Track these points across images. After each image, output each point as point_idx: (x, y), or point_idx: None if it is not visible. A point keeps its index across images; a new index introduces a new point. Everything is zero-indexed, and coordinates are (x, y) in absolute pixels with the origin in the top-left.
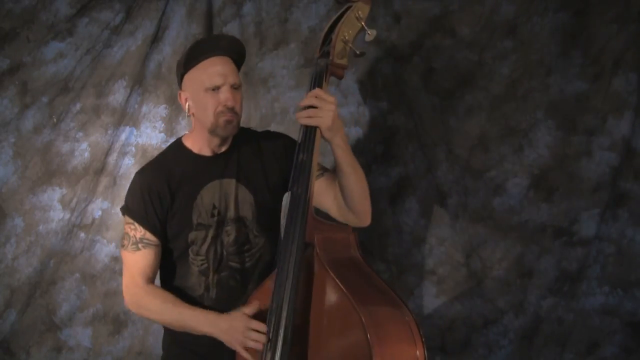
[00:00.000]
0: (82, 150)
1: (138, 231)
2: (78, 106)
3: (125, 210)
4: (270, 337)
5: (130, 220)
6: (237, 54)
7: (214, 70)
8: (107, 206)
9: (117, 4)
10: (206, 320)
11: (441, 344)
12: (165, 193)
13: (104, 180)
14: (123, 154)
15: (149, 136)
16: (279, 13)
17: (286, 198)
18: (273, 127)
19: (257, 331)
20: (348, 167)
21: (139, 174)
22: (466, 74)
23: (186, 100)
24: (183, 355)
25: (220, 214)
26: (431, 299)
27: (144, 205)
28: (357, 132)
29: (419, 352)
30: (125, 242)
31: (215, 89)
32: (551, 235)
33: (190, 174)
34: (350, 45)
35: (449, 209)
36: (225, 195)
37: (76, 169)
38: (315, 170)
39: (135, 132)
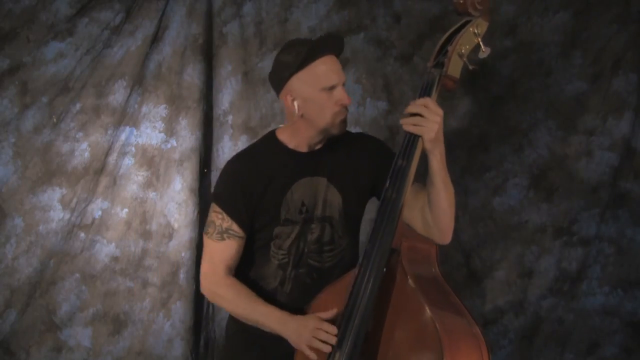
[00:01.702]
0: (82, 150)
1: (225, 221)
2: (78, 106)
3: (215, 198)
4: (341, 340)
5: (219, 209)
6: (340, 50)
7: (329, 70)
8: (107, 206)
9: (117, 4)
10: (277, 318)
11: None
12: (256, 186)
13: (104, 180)
14: (123, 154)
15: (149, 136)
16: (279, 13)
17: (371, 202)
18: (273, 127)
19: (327, 332)
20: (441, 182)
21: (232, 163)
22: (466, 74)
23: (294, 100)
24: (246, 344)
25: (308, 212)
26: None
27: (235, 197)
28: (357, 132)
29: None
30: (210, 229)
31: (332, 88)
32: (551, 235)
33: (283, 169)
34: (464, 59)
35: None
36: (314, 193)
37: (76, 169)
38: (412, 178)
39: (135, 132)
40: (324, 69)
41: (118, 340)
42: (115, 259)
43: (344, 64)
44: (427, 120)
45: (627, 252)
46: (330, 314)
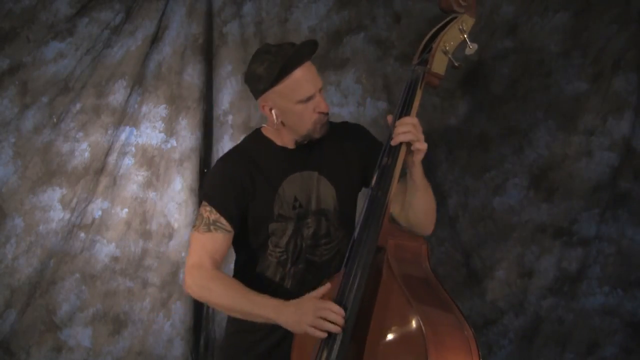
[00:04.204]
0: (82, 150)
1: (213, 214)
2: (78, 106)
3: (203, 196)
4: (330, 339)
5: (207, 204)
6: (314, 52)
7: (304, 82)
8: (107, 206)
9: (117, 4)
10: (273, 306)
11: None
12: (247, 182)
13: (104, 180)
14: (123, 154)
15: (149, 136)
16: (279, 13)
17: (361, 196)
18: None
19: (334, 312)
20: (424, 188)
21: (222, 160)
22: (466, 74)
23: (271, 110)
24: (245, 345)
25: (301, 207)
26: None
27: (224, 192)
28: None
29: None
30: (198, 222)
31: (309, 99)
32: (551, 235)
33: (272, 165)
34: (449, 55)
35: (449, 209)
36: (306, 187)
37: (76, 169)
38: (397, 177)
39: (135, 132)
40: (299, 81)
41: (118, 340)
42: (115, 259)
43: (344, 64)
44: (420, 139)
45: (627, 252)
46: (321, 292)
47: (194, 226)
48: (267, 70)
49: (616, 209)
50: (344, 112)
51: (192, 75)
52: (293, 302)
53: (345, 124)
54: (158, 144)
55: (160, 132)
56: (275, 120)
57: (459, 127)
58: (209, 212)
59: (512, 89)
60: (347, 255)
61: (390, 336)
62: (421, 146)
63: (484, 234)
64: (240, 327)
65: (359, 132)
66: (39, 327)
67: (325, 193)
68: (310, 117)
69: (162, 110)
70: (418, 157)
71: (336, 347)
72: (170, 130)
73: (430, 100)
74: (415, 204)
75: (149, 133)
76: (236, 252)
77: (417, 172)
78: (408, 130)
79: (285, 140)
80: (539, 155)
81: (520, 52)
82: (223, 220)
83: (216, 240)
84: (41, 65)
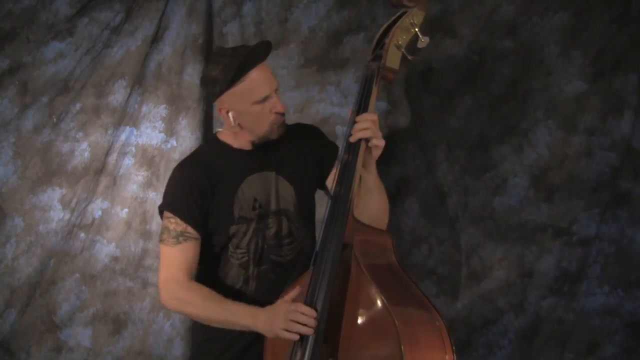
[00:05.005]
0: (82, 150)
1: (179, 225)
2: (78, 106)
3: (165, 205)
4: (302, 337)
5: (170, 215)
6: (268, 53)
7: (259, 82)
8: (107, 206)
9: (117, 4)
10: (248, 314)
11: None
12: (206, 186)
13: (104, 180)
14: (123, 154)
15: (149, 136)
16: (279, 13)
17: (322, 195)
18: None
19: (304, 314)
20: (377, 190)
21: (179, 168)
22: (466, 74)
23: (228, 112)
24: (217, 352)
25: (261, 207)
26: (431, 298)
27: (185, 199)
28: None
29: (448, 357)
30: (165, 236)
31: (265, 99)
32: (551, 235)
33: (230, 167)
34: (402, 50)
35: (449, 209)
36: (265, 188)
37: (76, 169)
38: (359, 173)
39: (135, 132)
40: (255, 81)
41: (118, 340)
42: (115, 259)
43: (344, 64)
44: (378, 135)
45: (627, 252)
46: (292, 295)
47: (161, 240)
48: (222, 72)
49: (616, 209)
50: (344, 112)
51: (192, 75)
52: (267, 308)
53: (299, 125)
54: (158, 144)
55: (160, 132)
56: (233, 123)
57: (459, 127)
58: (175, 224)
59: (512, 89)
60: (314, 254)
61: (364, 333)
62: (379, 142)
63: (484, 234)
64: (208, 334)
65: (313, 133)
66: (39, 327)
67: (284, 193)
68: (267, 117)
69: (162, 110)
70: (376, 153)
71: (309, 347)
72: (170, 130)
73: (430, 100)
74: (370, 206)
75: (149, 133)
76: None
77: (372, 173)
78: (367, 127)
79: (242, 142)
80: (539, 155)
81: (520, 52)
82: (190, 229)
83: (187, 250)
84: (41, 65)
